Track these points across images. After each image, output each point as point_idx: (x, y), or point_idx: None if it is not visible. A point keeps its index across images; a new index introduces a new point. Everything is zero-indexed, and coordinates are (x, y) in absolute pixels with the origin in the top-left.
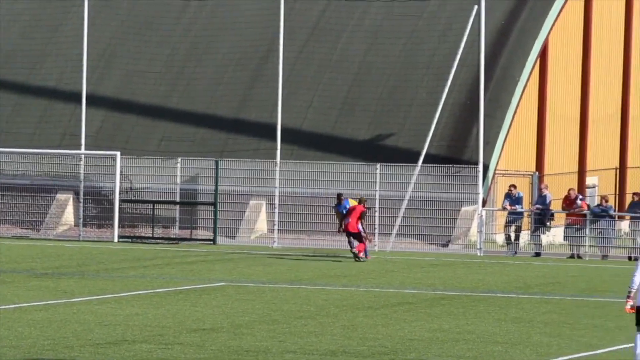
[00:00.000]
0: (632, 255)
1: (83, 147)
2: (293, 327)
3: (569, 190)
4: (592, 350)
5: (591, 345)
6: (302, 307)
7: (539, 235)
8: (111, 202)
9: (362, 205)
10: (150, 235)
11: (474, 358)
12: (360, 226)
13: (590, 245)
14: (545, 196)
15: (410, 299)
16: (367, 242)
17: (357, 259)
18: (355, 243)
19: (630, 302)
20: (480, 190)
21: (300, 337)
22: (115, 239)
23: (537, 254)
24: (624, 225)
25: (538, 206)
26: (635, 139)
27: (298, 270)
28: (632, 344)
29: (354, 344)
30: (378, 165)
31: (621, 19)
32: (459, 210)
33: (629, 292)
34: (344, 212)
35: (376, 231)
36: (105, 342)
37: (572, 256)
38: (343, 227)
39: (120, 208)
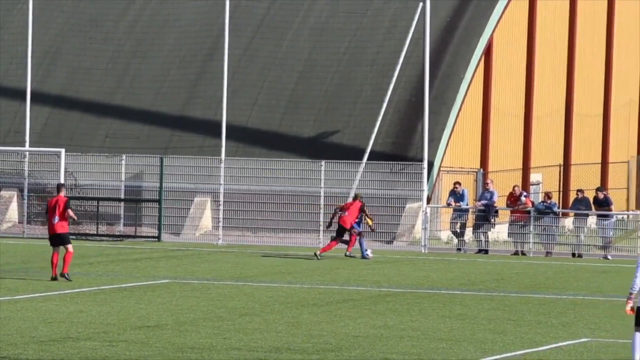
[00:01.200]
0: (576, 252)
1: (28, 143)
2: (238, 324)
3: (514, 187)
4: (536, 347)
5: (535, 342)
6: (246, 304)
7: (485, 232)
8: None
9: (359, 200)
10: (95, 232)
11: (418, 355)
12: (356, 224)
13: (534, 242)
14: (493, 192)
15: (355, 296)
16: (358, 237)
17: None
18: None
19: (631, 304)
20: (425, 187)
21: (245, 334)
22: None
23: (483, 251)
24: (568, 222)
25: (484, 202)
26: (579, 136)
27: (243, 268)
28: (575, 341)
29: (298, 341)
30: (323, 163)
31: (565, 16)
32: (403, 207)
33: (630, 293)
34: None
35: (321, 228)
36: (50, 339)
37: (516, 253)
38: (337, 219)
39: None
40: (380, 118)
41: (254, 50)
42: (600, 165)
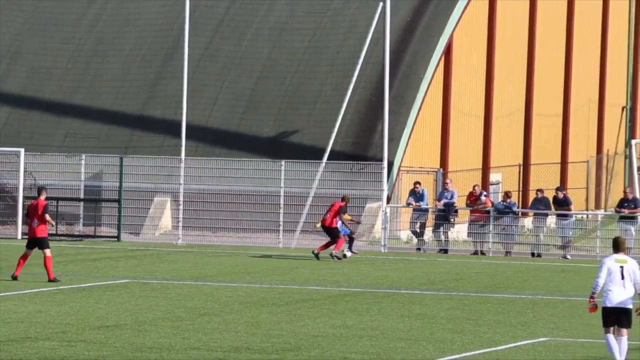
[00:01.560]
0: (535, 251)
1: None
2: (197, 323)
3: (474, 186)
4: (495, 347)
5: (494, 342)
6: (206, 304)
7: (446, 232)
8: (15, 199)
9: (340, 201)
10: (54, 232)
11: (377, 354)
12: (339, 222)
13: (493, 242)
14: (452, 192)
15: (314, 296)
16: (345, 238)
17: (333, 258)
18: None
19: (593, 302)
20: (385, 186)
21: (204, 333)
22: (19, 236)
23: (443, 251)
24: (527, 222)
25: (445, 201)
26: (539, 136)
27: (202, 267)
28: (534, 340)
29: (257, 341)
30: (283, 162)
31: (525, 16)
32: (363, 207)
33: (593, 292)
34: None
35: (280, 228)
36: (8, 339)
37: (475, 252)
38: (320, 222)
39: (23, 205)
40: (340, 118)
41: (214, 49)
42: (559, 165)
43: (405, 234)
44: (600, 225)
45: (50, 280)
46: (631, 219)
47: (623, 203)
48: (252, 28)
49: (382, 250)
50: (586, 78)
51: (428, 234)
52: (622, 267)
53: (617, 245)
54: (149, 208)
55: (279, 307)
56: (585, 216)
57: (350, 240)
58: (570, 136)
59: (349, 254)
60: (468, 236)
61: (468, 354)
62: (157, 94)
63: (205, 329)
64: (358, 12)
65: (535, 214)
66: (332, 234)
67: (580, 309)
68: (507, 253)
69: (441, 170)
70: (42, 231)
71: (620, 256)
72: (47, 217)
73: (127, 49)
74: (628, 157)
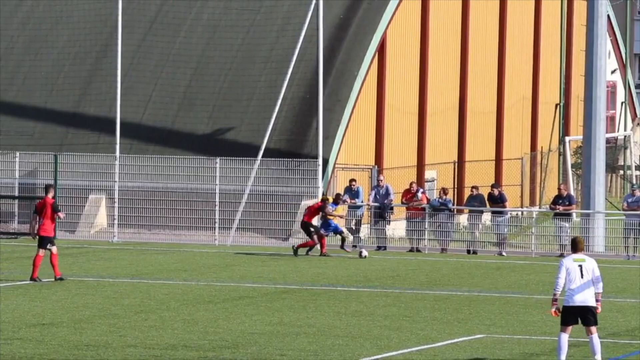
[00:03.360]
0: (471, 248)
1: None
2: (134, 321)
3: (411, 183)
4: (432, 343)
5: (431, 338)
6: (142, 302)
7: (383, 229)
8: None
9: (320, 201)
10: None
11: (314, 351)
12: (330, 221)
13: (429, 239)
14: (387, 187)
15: (251, 293)
16: (316, 239)
17: (295, 254)
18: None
19: (556, 305)
20: (320, 184)
21: (141, 331)
22: None
23: (380, 247)
24: (463, 219)
25: (391, 198)
26: (473, 133)
27: (138, 265)
28: (470, 337)
29: (194, 338)
30: (218, 160)
31: (458, 13)
32: (298, 204)
33: (554, 294)
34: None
35: (216, 225)
36: None
37: (412, 249)
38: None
39: None
40: (274, 115)
41: (148, 47)
42: (494, 162)
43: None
44: (535, 222)
45: (56, 279)
46: (565, 215)
47: (557, 200)
48: (186, 25)
49: (318, 248)
50: (520, 75)
51: (364, 231)
52: (580, 266)
53: (576, 245)
54: (84, 206)
55: (215, 305)
56: (520, 213)
57: (342, 240)
58: (505, 133)
59: (365, 252)
60: (405, 233)
61: (405, 351)
62: (91, 91)
63: (142, 327)
64: (291, 10)
65: (470, 211)
66: (307, 232)
67: (516, 306)
68: (443, 250)
69: (376, 167)
70: (46, 230)
71: (579, 255)
72: (61, 214)
73: (60, 46)
74: (562, 154)
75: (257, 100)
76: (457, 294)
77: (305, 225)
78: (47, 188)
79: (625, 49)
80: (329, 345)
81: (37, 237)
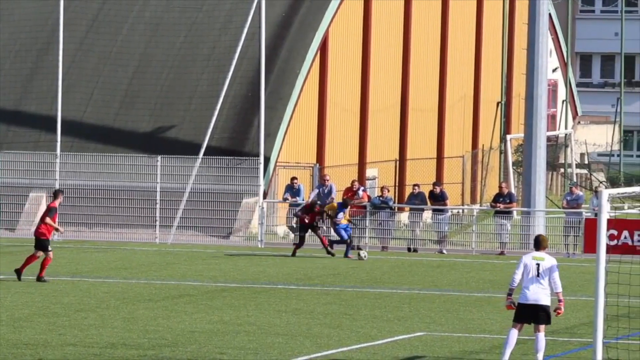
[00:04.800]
0: (412, 246)
1: None
2: (73, 319)
3: (352, 181)
4: (372, 341)
5: (371, 336)
6: (82, 300)
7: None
8: None
9: (317, 206)
10: None
11: (254, 349)
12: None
13: (370, 237)
14: (331, 186)
15: (191, 291)
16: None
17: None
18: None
19: (510, 299)
20: (262, 182)
21: (81, 329)
22: None
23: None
24: (404, 217)
25: (332, 197)
26: (415, 131)
27: (79, 263)
28: (411, 335)
29: (134, 337)
30: (159, 158)
31: (400, 12)
32: (240, 202)
33: (510, 289)
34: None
35: (157, 223)
36: None
37: (353, 247)
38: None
39: None
40: (216, 113)
41: (89, 45)
42: (435, 160)
43: (282, 229)
44: (476, 220)
45: (38, 279)
46: (506, 213)
47: (498, 198)
48: (128, 23)
49: (259, 246)
50: (461, 74)
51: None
52: (538, 264)
53: (538, 243)
54: (25, 204)
55: (155, 303)
56: (461, 211)
57: (347, 245)
58: (446, 131)
59: (363, 254)
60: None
61: (344, 349)
62: (32, 89)
63: (82, 325)
64: (233, 8)
65: (411, 209)
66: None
67: (456, 304)
68: (384, 248)
69: (318, 165)
70: (42, 233)
71: (539, 254)
72: (48, 220)
73: (1, 44)
74: (503, 152)
75: (199, 99)
76: (398, 292)
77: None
78: (55, 193)
79: (567, 48)
80: (268, 344)
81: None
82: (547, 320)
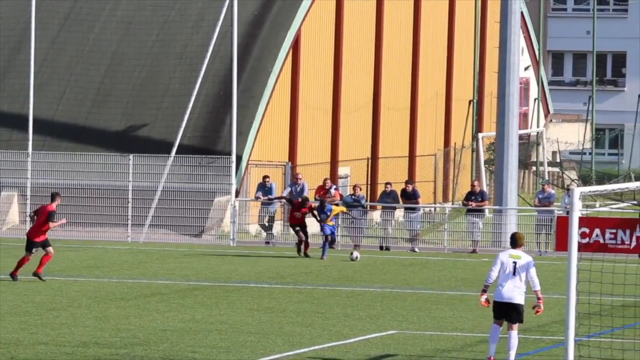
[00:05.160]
0: (384, 244)
1: None
2: (45, 318)
3: (324, 180)
4: (344, 340)
5: (343, 335)
6: (54, 299)
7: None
8: None
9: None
10: None
11: (226, 348)
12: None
13: (342, 235)
14: (303, 184)
15: (163, 290)
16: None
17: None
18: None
19: (485, 296)
20: (234, 180)
21: (52, 328)
22: None
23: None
24: (376, 215)
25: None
26: (387, 129)
27: (50, 262)
28: (383, 333)
29: (106, 335)
30: (131, 156)
31: (372, 10)
32: (212, 200)
33: (485, 285)
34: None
35: (129, 222)
36: None
37: (333, 247)
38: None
39: None
40: (188, 111)
41: (61, 43)
42: (407, 158)
43: (254, 227)
44: (448, 218)
45: (35, 274)
46: (478, 212)
47: (470, 196)
48: (100, 22)
49: (231, 244)
50: (433, 72)
51: (277, 227)
52: (515, 262)
53: (515, 241)
54: None
55: (127, 302)
56: (433, 209)
57: (330, 242)
58: (418, 130)
59: (355, 254)
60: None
61: (317, 347)
62: (3, 87)
63: (54, 324)
64: (206, 6)
65: (383, 207)
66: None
67: (428, 302)
68: (356, 246)
69: (290, 163)
70: (38, 236)
71: (516, 252)
72: (52, 225)
73: None
74: (475, 150)
75: (171, 97)
76: (370, 290)
77: (292, 226)
78: (52, 196)
79: (539, 46)
80: (240, 342)
81: (28, 240)
82: (519, 318)
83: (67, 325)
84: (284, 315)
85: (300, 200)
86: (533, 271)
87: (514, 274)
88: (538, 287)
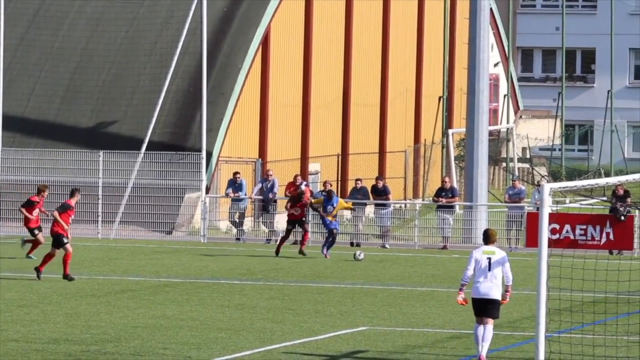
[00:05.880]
0: (354, 240)
1: None
2: (15, 315)
3: (295, 176)
4: (315, 336)
5: (314, 331)
6: (24, 296)
7: (269, 222)
8: None
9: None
10: None
11: (197, 344)
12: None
13: (313, 232)
14: (273, 181)
15: (134, 287)
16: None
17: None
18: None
19: (462, 295)
20: (204, 177)
21: (23, 325)
22: None
23: (268, 240)
24: (346, 211)
25: (275, 192)
26: (357, 125)
27: (21, 259)
28: (354, 329)
29: (77, 332)
30: (101, 153)
31: (342, 7)
32: (182, 197)
33: (462, 284)
34: (333, 207)
35: (99, 218)
36: None
37: (295, 242)
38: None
39: None
40: (158, 108)
41: (30, 40)
42: (378, 154)
43: (224, 224)
44: (418, 215)
45: (64, 277)
46: (448, 208)
47: (440, 192)
48: (69, 18)
49: (202, 241)
50: (403, 68)
51: (247, 224)
52: (489, 258)
53: (487, 237)
54: None
55: (98, 298)
56: (403, 205)
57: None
58: (388, 126)
59: (359, 253)
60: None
61: (288, 343)
62: None
63: (24, 321)
64: (175, 2)
65: (353, 204)
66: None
67: (399, 298)
68: (358, 245)
69: (260, 160)
70: (56, 230)
71: (489, 248)
72: (55, 214)
73: None
74: (445, 146)
75: (141, 94)
76: (340, 287)
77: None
78: (72, 192)
79: (508, 42)
80: (211, 339)
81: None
82: (495, 314)
83: (37, 322)
84: (255, 311)
85: (297, 193)
86: (507, 266)
87: (489, 269)
88: (510, 282)
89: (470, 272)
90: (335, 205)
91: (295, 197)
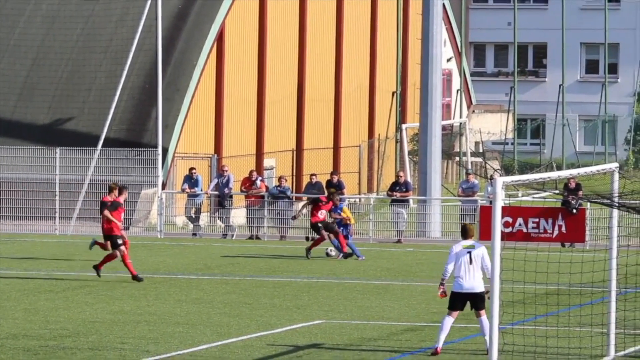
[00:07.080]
0: (310, 235)
1: None
2: None
3: (250, 171)
4: (272, 330)
5: (270, 325)
6: None
7: (225, 217)
8: None
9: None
10: None
11: (154, 339)
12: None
13: (269, 226)
14: (229, 176)
15: (92, 282)
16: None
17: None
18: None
19: (443, 288)
20: (160, 173)
21: None
22: None
23: (230, 235)
24: (301, 206)
25: (230, 187)
26: (311, 121)
27: None
28: (310, 323)
29: (35, 327)
30: (58, 150)
31: (296, 3)
32: (139, 193)
33: (442, 279)
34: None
35: (57, 215)
36: None
37: (251, 237)
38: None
39: None
40: (114, 105)
41: None
42: (332, 149)
43: (180, 219)
44: (373, 209)
45: (133, 278)
46: (403, 202)
47: (395, 187)
48: (25, 16)
49: (159, 236)
50: (357, 64)
51: (204, 219)
52: (469, 252)
53: (465, 232)
54: None
55: (56, 294)
56: (358, 200)
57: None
58: (343, 121)
59: (333, 253)
60: (245, 221)
61: (244, 337)
62: None
63: None
64: (130, 0)
65: (308, 199)
66: (317, 232)
67: (354, 292)
68: (282, 237)
69: (216, 156)
70: (110, 229)
71: (468, 242)
72: (106, 213)
73: None
74: (399, 141)
75: (97, 90)
76: (296, 281)
77: (315, 225)
78: (120, 189)
79: (461, 37)
80: (169, 333)
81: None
82: (483, 305)
83: None
84: (212, 306)
85: (312, 199)
86: (487, 258)
87: (470, 263)
88: (490, 275)
89: (450, 267)
90: (340, 212)
91: (310, 200)
